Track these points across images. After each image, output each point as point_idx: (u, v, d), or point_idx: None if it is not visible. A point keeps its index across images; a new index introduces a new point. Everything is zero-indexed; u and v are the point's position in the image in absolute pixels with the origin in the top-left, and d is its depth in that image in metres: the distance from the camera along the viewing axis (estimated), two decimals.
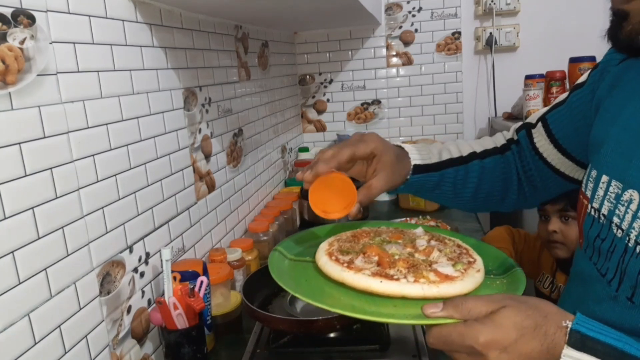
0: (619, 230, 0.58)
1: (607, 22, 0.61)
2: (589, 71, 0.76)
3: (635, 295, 0.56)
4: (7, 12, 0.63)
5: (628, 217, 0.57)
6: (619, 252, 0.58)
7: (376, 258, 0.67)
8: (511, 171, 0.85)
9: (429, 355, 0.90)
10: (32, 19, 0.67)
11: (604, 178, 0.62)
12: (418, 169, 0.80)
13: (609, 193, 0.61)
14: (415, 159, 0.81)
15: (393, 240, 0.75)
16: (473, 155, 0.84)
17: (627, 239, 0.57)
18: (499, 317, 0.51)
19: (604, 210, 0.61)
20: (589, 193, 0.65)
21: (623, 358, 0.48)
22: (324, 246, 0.73)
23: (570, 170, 0.80)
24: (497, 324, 0.51)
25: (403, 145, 0.82)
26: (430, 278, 0.62)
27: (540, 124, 0.82)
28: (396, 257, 0.67)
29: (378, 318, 0.59)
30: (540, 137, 0.81)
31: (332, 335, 0.98)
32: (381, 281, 0.60)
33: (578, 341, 0.49)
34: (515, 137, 0.86)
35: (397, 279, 0.61)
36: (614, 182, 0.60)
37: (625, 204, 0.58)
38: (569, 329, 0.50)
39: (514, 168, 0.85)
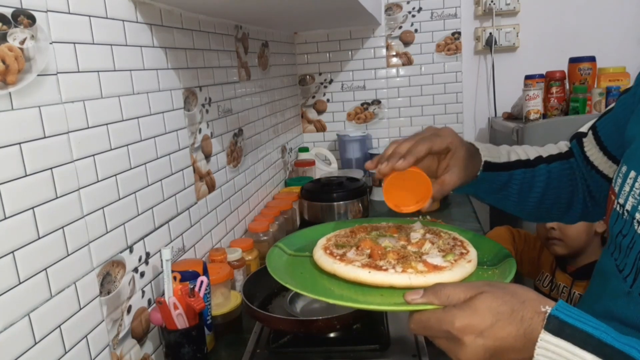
0: None
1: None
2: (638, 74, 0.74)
3: None
4: (8, 12, 0.63)
5: None
6: (637, 249, 0.58)
7: (368, 251, 0.69)
8: (576, 178, 0.83)
9: (429, 355, 0.90)
10: (32, 19, 0.67)
11: (632, 174, 0.61)
12: (488, 166, 0.79)
13: (634, 189, 0.60)
14: (486, 155, 0.80)
15: (389, 234, 0.76)
16: (540, 159, 0.83)
17: None
18: (475, 302, 0.52)
19: (628, 206, 0.61)
20: (617, 188, 0.64)
21: (600, 346, 0.47)
22: (322, 242, 0.76)
23: None
24: (474, 309, 0.52)
25: (474, 142, 0.81)
26: (417, 268, 0.64)
27: (590, 132, 0.80)
28: (388, 249, 0.69)
29: (364, 306, 0.63)
30: (590, 146, 0.80)
31: (332, 335, 0.98)
32: (369, 272, 0.63)
33: (556, 327, 0.49)
34: (568, 148, 0.84)
35: (386, 270, 0.63)
36: None
37: None
38: (547, 314, 0.50)
39: (579, 176, 0.83)
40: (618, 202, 0.63)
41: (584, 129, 0.82)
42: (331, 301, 0.60)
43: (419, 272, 0.63)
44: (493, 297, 0.52)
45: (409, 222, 0.82)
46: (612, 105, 0.79)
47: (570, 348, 0.48)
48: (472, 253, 0.69)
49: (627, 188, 0.62)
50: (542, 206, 0.84)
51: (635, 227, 0.59)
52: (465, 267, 0.65)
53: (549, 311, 0.50)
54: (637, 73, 0.74)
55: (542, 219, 0.90)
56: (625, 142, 0.69)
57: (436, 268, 0.63)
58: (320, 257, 0.70)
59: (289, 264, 0.73)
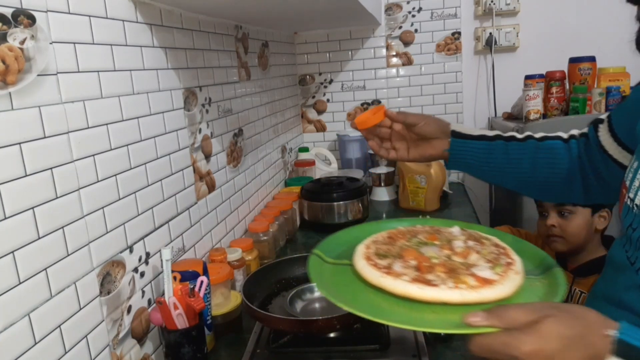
0: None
1: (634, 33, 0.64)
2: None
3: None
4: (8, 12, 0.63)
5: None
6: None
7: (414, 262, 0.66)
8: (573, 158, 0.86)
9: (429, 355, 0.90)
10: (32, 19, 0.67)
11: None
12: (457, 134, 0.87)
13: None
14: (456, 127, 0.89)
15: (430, 241, 0.74)
16: (529, 137, 0.88)
17: None
18: (542, 327, 0.51)
19: (638, 201, 0.63)
20: (628, 183, 0.66)
21: None
22: (361, 249, 0.72)
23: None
24: (541, 334, 0.51)
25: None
26: (469, 283, 0.61)
27: (606, 119, 0.83)
28: (434, 260, 0.67)
29: (421, 327, 0.59)
30: (603, 132, 0.82)
31: (332, 335, 0.98)
32: (420, 287, 0.60)
33: (623, 351, 0.49)
34: (586, 130, 0.87)
35: (436, 285, 0.60)
36: None
37: None
38: (613, 338, 0.50)
39: (577, 157, 0.86)
40: (629, 197, 0.65)
41: (603, 115, 0.85)
42: (390, 323, 0.57)
43: (470, 287, 0.60)
44: (559, 321, 0.51)
45: (446, 225, 0.80)
46: (628, 94, 0.82)
47: None
48: (518, 262, 0.68)
49: (637, 183, 0.63)
50: (538, 181, 0.88)
51: None
52: (514, 279, 0.63)
53: (614, 335, 0.50)
54: None
55: (543, 196, 0.93)
56: (636, 136, 0.70)
57: (487, 282, 0.61)
58: (364, 268, 0.67)
59: (332, 275, 0.70)
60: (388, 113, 0.88)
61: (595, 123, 0.85)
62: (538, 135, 0.88)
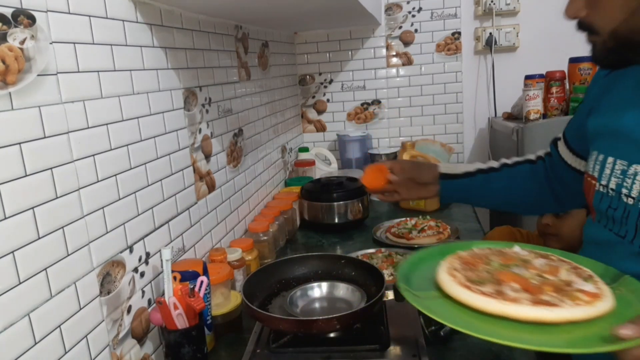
0: (630, 199, 0.72)
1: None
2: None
3: None
4: (8, 12, 0.63)
5: (636, 186, 0.71)
6: (634, 216, 0.72)
7: (517, 285, 0.65)
8: (540, 178, 1.04)
9: (428, 355, 0.90)
10: (32, 19, 0.67)
11: (610, 159, 0.76)
12: (443, 176, 1.08)
13: (615, 170, 0.75)
14: (443, 169, 1.09)
15: (510, 264, 0.72)
16: (504, 165, 1.07)
17: None
18: None
19: (612, 185, 0.75)
20: (596, 174, 0.79)
21: None
22: (446, 279, 0.68)
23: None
24: None
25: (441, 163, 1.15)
26: (584, 299, 0.61)
27: (562, 137, 1.00)
28: (533, 281, 0.66)
29: (582, 349, 0.56)
30: (563, 148, 0.99)
31: (332, 335, 0.98)
32: (549, 310, 0.59)
33: None
34: (549, 150, 1.04)
35: (557, 305, 0.60)
36: (619, 162, 0.74)
37: (632, 177, 0.72)
38: None
39: (544, 175, 1.03)
40: (601, 184, 0.78)
41: (559, 134, 1.02)
42: (560, 350, 0.55)
43: (587, 302, 0.60)
44: None
45: (507, 246, 0.80)
46: (575, 116, 0.98)
47: None
48: (592, 273, 0.69)
49: (607, 171, 0.76)
50: (514, 201, 1.08)
51: (625, 200, 0.73)
52: (606, 289, 0.65)
53: None
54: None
55: (525, 211, 1.25)
56: (589, 137, 0.84)
57: (596, 295, 0.62)
58: (472, 297, 0.63)
59: (439, 310, 0.64)
60: (391, 178, 1.10)
61: (554, 141, 1.02)
62: (511, 161, 1.07)
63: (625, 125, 0.75)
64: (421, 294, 0.69)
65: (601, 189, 0.78)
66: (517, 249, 0.78)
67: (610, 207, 0.76)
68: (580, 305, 0.60)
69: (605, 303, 0.61)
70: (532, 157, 1.07)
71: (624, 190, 0.73)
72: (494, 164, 1.08)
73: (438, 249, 0.85)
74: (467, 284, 0.65)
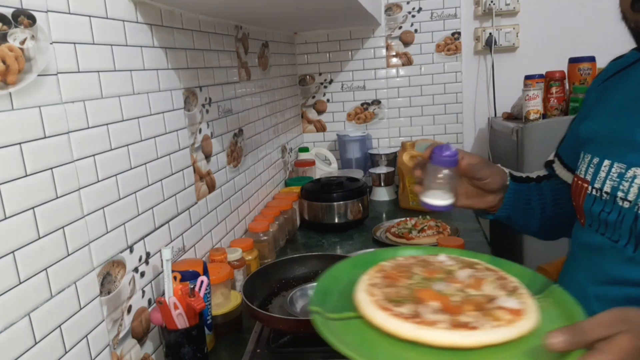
0: (625, 202, 0.70)
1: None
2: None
3: None
4: (8, 12, 0.63)
5: (633, 189, 0.69)
6: (630, 220, 0.70)
7: (438, 304, 0.62)
8: (543, 198, 0.95)
9: None
10: (32, 19, 0.67)
11: (606, 162, 0.74)
12: (513, 177, 0.92)
13: (611, 174, 0.73)
14: (506, 168, 0.93)
15: (433, 277, 0.69)
16: (540, 178, 0.97)
17: (637, 207, 0.69)
18: (618, 344, 0.52)
19: (607, 189, 0.74)
20: (588, 177, 0.77)
21: None
22: (363, 297, 0.64)
23: None
24: (618, 351, 0.52)
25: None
26: (505, 318, 0.58)
27: (556, 158, 0.95)
28: (455, 298, 0.63)
29: None
30: (560, 169, 0.94)
31: None
32: (465, 335, 0.55)
33: None
34: (546, 172, 0.97)
35: (477, 327, 0.56)
36: (616, 164, 0.73)
37: (629, 180, 0.70)
38: None
39: (553, 196, 0.95)
40: (594, 188, 0.76)
41: (550, 157, 0.97)
42: None
43: (508, 322, 0.57)
44: (633, 336, 0.52)
45: (431, 252, 0.77)
46: (566, 132, 0.95)
47: None
48: (518, 283, 0.67)
49: (602, 174, 0.75)
50: (554, 220, 0.95)
51: (620, 203, 0.71)
52: (531, 302, 0.62)
53: None
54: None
55: (553, 235, 0.99)
56: (582, 141, 0.82)
57: (519, 313, 0.59)
58: (388, 321, 0.58)
59: (349, 334, 0.60)
60: (463, 165, 0.80)
61: (549, 164, 0.97)
62: (534, 175, 0.97)
63: (624, 129, 0.74)
64: (335, 315, 0.64)
65: (594, 192, 0.76)
66: (442, 257, 0.75)
67: (603, 211, 0.74)
68: (501, 327, 0.56)
69: (527, 322, 0.58)
70: (532, 176, 0.97)
71: (620, 194, 0.72)
72: (531, 174, 0.97)
73: (362, 258, 0.80)
74: (384, 305, 0.61)
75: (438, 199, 0.79)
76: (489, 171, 0.84)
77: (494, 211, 0.90)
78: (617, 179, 0.72)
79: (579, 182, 0.80)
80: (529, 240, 1.74)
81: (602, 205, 0.75)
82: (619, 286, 0.73)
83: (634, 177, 0.70)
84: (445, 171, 0.77)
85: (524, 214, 0.92)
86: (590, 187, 0.77)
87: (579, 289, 0.77)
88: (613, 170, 0.73)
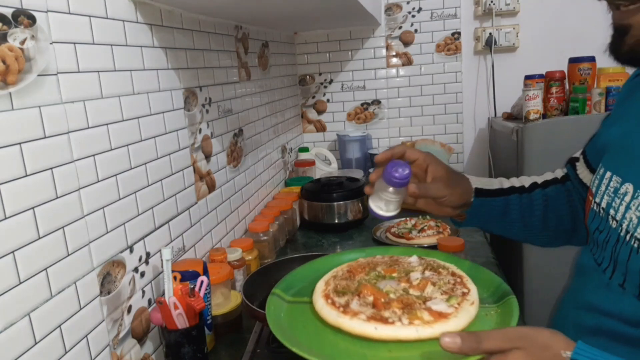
0: (614, 221, 0.63)
1: (608, 37, 0.64)
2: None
3: (626, 281, 0.59)
4: (8, 12, 0.63)
5: (622, 208, 0.62)
6: (613, 242, 0.63)
7: (370, 298, 0.67)
8: (574, 199, 0.86)
9: None
10: (32, 19, 0.67)
11: (608, 174, 0.67)
12: (480, 192, 0.84)
13: (609, 187, 0.66)
14: (475, 183, 0.84)
15: (388, 275, 0.75)
16: (535, 185, 0.88)
17: (620, 228, 0.61)
18: (510, 359, 0.53)
19: (603, 204, 0.66)
20: (594, 189, 0.70)
21: None
22: (320, 286, 0.74)
23: None
24: None
25: (464, 173, 0.87)
26: (424, 318, 0.62)
27: (582, 156, 0.85)
28: (391, 295, 0.68)
29: None
30: (582, 169, 0.84)
31: None
32: (376, 327, 0.61)
33: None
34: (566, 171, 0.89)
35: (392, 322, 0.62)
36: (615, 177, 0.65)
37: (621, 197, 0.62)
38: (567, 359, 0.52)
39: (577, 197, 0.86)
40: (595, 202, 0.69)
41: (577, 154, 0.87)
42: None
43: (425, 322, 0.61)
44: (527, 354, 0.53)
45: (405, 253, 0.82)
46: (598, 129, 0.83)
47: None
48: (473, 292, 0.69)
49: (602, 187, 0.67)
50: (548, 229, 0.86)
51: (610, 222, 0.64)
52: (469, 310, 0.64)
53: (569, 356, 0.52)
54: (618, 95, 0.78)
55: (552, 243, 0.91)
56: (599, 149, 0.74)
57: (441, 316, 0.62)
58: (323, 308, 0.68)
59: (290, 315, 0.71)
60: (410, 191, 0.76)
61: (572, 162, 0.87)
62: (540, 180, 0.88)
63: (626, 132, 0.67)
64: (292, 298, 0.74)
65: (595, 207, 0.69)
66: (413, 258, 0.79)
67: (598, 229, 0.68)
68: (415, 325, 0.60)
69: (448, 325, 0.61)
70: (556, 175, 0.90)
71: (612, 212, 0.64)
72: (522, 182, 0.89)
73: (350, 256, 0.86)
74: (328, 294, 0.69)
75: (381, 209, 0.78)
76: (448, 190, 0.78)
77: (461, 220, 0.87)
78: (612, 195, 0.65)
79: (588, 194, 0.73)
80: None
81: (598, 223, 0.68)
82: (593, 313, 0.66)
83: (625, 194, 0.62)
84: (391, 189, 0.75)
85: (500, 225, 0.87)
86: (593, 201, 0.70)
87: (563, 314, 0.75)
88: (611, 183, 0.66)
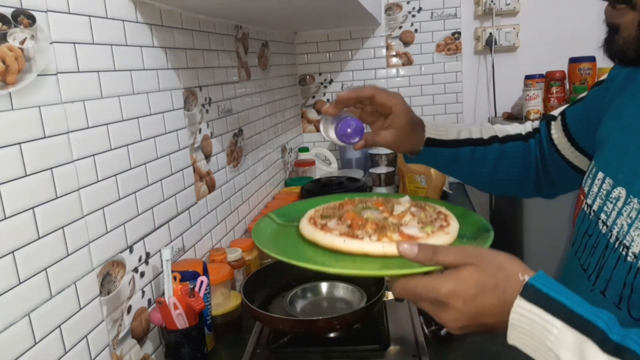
0: (604, 227, 0.60)
1: (604, 34, 0.63)
2: (611, 68, 0.76)
3: (607, 289, 0.58)
4: (8, 12, 0.63)
5: (614, 214, 0.59)
6: (601, 248, 0.60)
7: (349, 221, 0.70)
8: (530, 159, 0.87)
9: (429, 355, 0.90)
10: (32, 19, 0.67)
11: (600, 175, 0.64)
12: (431, 142, 0.84)
13: (601, 190, 0.63)
14: (430, 133, 0.84)
15: (374, 207, 0.77)
16: (494, 139, 0.87)
17: (610, 234, 0.59)
18: (462, 273, 0.55)
19: (595, 207, 0.63)
20: (586, 189, 0.67)
21: (570, 315, 0.50)
22: (310, 212, 0.77)
23: (585, 165, 0.80)
24: (460, 278, 0.55)
25: (423, 118, 0.85)
26: (392, 238, 0.64)
27: (559, 117, 0.84)
28: (369, 220, 0.70)
29: (334, 269, 0.63)
30: (556, 130, 0.83)
31: (332, 335, 0.98)
32: (344, 240, 0.65)
33: (531, 294, 0.51)
34: (537, 126, 0.88)
35: (361, 238, 0.65)
36: (607, 179, 0.62)
37: (614, 201, 0.60)
38: (524, 283, 0.52)
39: (534, 157, 0.87)
40: (586, 203, 0.66)
41: (555, 112, 0.86)
42: (302, 264, 0.61)
43: (393, 241, 0.63)
44: (480, 270, 0.54)
45: (398, 197, 0.83)
46: (584, 94, 0.81)
47: (543, 314, 0.50)
48: (453, 226, 0.70)
49: (595, 189, 0.64)
50: (494, 181, 0.89)
51: (600, 227, 0.61)
52: (441, 238, 0.65)
53: (526, 279, 0.53)
54: (612, 67, 0.75)
55: (495, 191, 0.94)
56: (596, 142, 0.70)
57: (411, 238, 0.64)
58: (304, 226, 0.71)
59: (275, 233, 0.75)
60: (356, 146, 0.79)
61: (548, 120, 0.86)
62: (501, 134, 0.87)
63: (621, 130, 0.64)
64: (282, 221, 0.79)
65: (585, 208, 0.66)
66: (405, 198, 0.81)
67: (587, 233, 0.64)
68: (382, 242, 0.63)
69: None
70: (521, 131, 0.89)
71: (603, 216, 0.61)
72: (483, 133, 0.87)
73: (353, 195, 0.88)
74: (314, 218, 0.73)
75: (329, 136, 0.80)
76: (397, 143, 0.80)
77: (415, 153, 0.86)
78: (604, 198, 0.61)
79: (580, 192, 0.70)
80: (529, 234, 1.74)
81: (587, 225, 0.64)
82: None
83: (618, 198, 0.59)
84: (339, 142, 0.78)
85: (447, 170, 0.90)
86: (584, 201, 0.66)
87: None
88: (604, 186, 0.62)
